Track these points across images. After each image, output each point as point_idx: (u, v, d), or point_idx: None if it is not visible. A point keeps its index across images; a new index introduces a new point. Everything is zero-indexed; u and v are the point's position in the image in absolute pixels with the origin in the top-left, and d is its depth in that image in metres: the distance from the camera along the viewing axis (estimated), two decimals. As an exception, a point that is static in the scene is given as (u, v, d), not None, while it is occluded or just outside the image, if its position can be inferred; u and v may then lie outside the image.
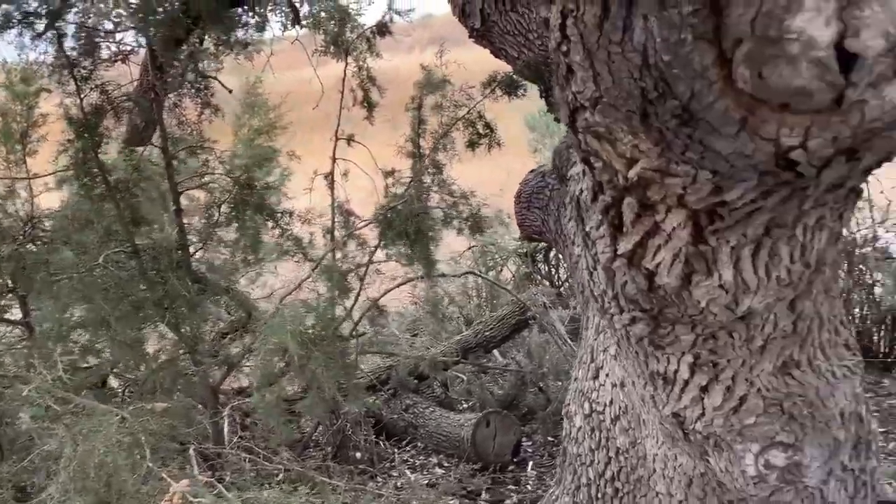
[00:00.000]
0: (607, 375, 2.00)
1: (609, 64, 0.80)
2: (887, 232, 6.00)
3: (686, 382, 1.34)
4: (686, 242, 0.97)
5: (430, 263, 3.86)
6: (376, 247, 3.97)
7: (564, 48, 0.85)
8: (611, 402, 1.98)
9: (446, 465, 4.35)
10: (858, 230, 6.10)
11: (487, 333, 5.21)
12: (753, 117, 0.74)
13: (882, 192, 5.59)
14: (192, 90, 3.72)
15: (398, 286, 4.14)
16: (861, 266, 5.88)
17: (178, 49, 3.40)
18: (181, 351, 3.56)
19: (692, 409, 1.38)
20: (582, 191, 1.09)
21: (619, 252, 1.06)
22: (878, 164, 0.90)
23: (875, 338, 5.97)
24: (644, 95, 0.79)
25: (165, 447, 2.57)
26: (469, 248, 7.45)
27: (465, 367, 5.41)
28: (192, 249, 3.99)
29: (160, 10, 3.04)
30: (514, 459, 4.45)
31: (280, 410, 3.20)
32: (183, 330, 3.39)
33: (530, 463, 4.45)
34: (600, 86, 0.83)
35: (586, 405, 2.09)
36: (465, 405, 5.29)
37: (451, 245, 6.70)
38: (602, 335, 2.07)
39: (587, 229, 1.11)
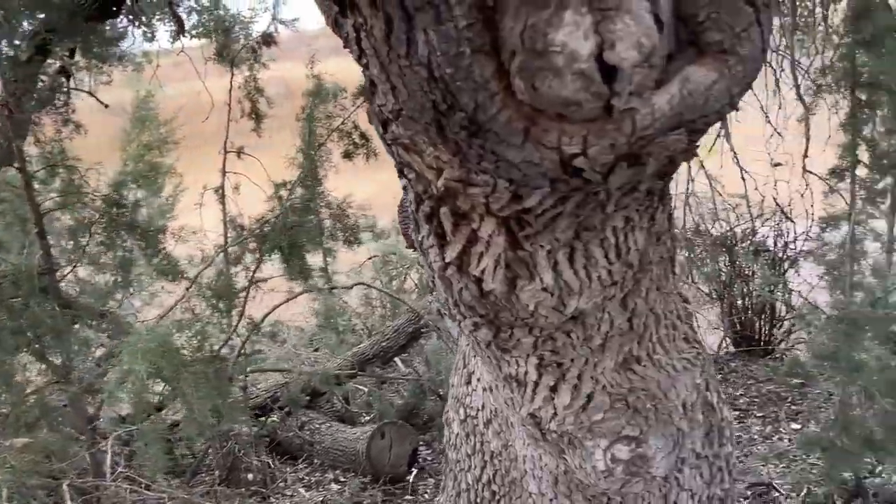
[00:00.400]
0: (478, 380, 2.02)
1: (402, 77, 0.80)
2: (762, 226, 6.37)
3: (536, 384, 1.36)
4: (504, 248, 0.99)
5: (308, 276, 3.80)
6: (258, 262, 3.89)
7: (364, 61, 0.86)
8: (483, 407, 2.00)
9: (343, 480, 4.28)
10: (738, 225, 6.46)
11: (384, 344, 5.18)
12: (535, 127, 0.76)
13: (756, 189, 5.92)
14: (53, 107, 3.54)
15: (285, 302, 4.07)
16: (739, 259, 6.22)
17: (34, 63, 3.23)
18: (52, 381, 3.36)
19: (545, 409, 1.40)
20: (411, 201, 1.09)
21: (447, 260, 1.07)
22: (671, 168, 0.94)
23: (756, 326, 6.32)
24: (436, 108, 0.80)
25: (30, 485, 2.41)
26: (370, 259, 7.40)
27: (367, 379, 5.36)
28: (62, 273, 3.78)
29: (11, 22, 2.87)
30: (412, 469, 4.44)
31: (157, 436, 3.08)
32: (51, 358, 3.20)
33: (415, 472, 4.44)
34: (398, 98, 0.84)
35: (461, 411, 2.11)
36: (366, 418, 5.25)
37: (352, 256, 6.63)
38: (474, 341, 2.09)
39: (419, 238, 1.12)
